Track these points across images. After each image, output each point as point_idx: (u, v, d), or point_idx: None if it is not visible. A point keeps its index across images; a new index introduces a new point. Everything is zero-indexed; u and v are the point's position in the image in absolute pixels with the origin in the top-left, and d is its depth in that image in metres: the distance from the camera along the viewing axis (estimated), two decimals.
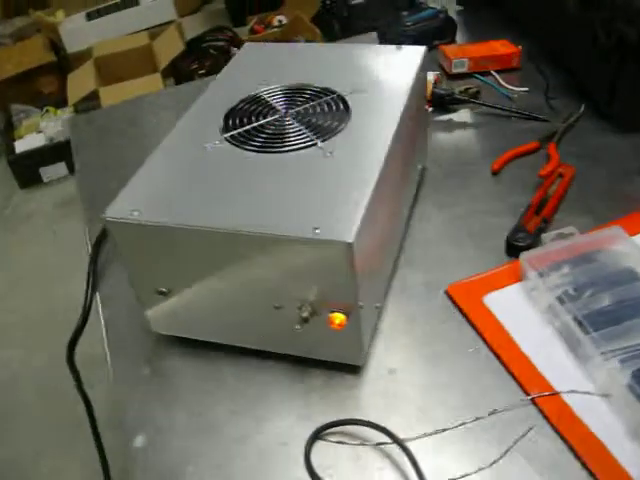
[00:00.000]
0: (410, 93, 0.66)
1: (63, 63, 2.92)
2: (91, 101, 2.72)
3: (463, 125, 0.91)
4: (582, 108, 0.89)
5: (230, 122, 0.64)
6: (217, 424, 0.58)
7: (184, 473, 0.55)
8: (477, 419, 0.55)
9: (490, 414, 0.55)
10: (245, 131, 0.62)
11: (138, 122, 1.05)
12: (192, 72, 2.73)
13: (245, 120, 0.64)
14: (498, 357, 0.60)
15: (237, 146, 0.61)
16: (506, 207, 0.76)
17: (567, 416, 0.54)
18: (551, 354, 0.59)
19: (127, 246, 0.57)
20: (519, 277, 0.66)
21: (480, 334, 0.62)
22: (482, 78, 0.99)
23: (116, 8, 2.99)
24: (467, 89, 0.94)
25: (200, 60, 2.78)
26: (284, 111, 0.65)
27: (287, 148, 0.60)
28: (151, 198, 0.57)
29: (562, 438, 0.53)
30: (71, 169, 2.61)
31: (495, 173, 0.81)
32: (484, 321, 0.63)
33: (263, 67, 0.74)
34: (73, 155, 0.99)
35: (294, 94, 0.67)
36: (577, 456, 0.52)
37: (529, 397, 0.56)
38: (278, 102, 0.66)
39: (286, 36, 3.01)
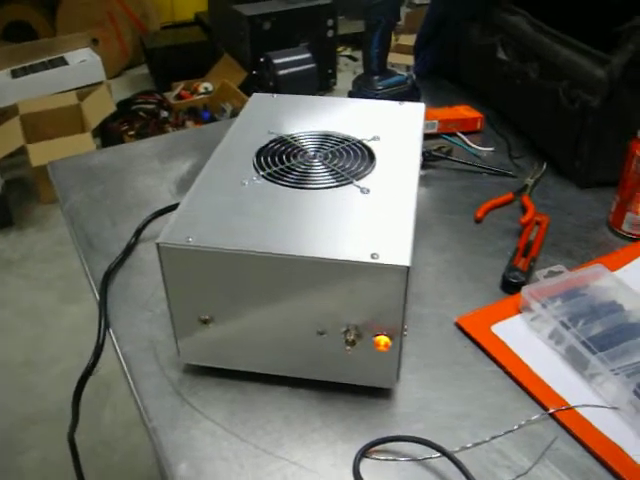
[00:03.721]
0: (421, 141, 0.73)
1: None
2: (14, 157, 2.68)
3: (440, 179, 0.99)
4: (544, 166, 0.99)
5: (262, 160, 0.69)
6: (264, 449, 0.60)
7: None
8: (507, 432, 0.60)
9: (519, 427, 0.61)
10: (280, 169, 0.67)
11: (117, 166, 1.07)
12: (122, 133, 2.75)
13: (277, 159, 0.69)
14: (513, 378, 0.66)
15: (273, 182, 0.66)
16: (494, 250, 0.84)
17: (585, 426, 0.60)
18: (560, 373, 0.66)
19: (175, 273, 0.60)
20: (518, 309, 0.74)
21: (493, 358, 0.68)
22: (450, 138, 1.08)
23: (43, 67, 2.99)
24: (440, 147, 1.03)
25: (130, 122, 2.81)
26: (312, 153, 0.70)
27: (323, 185, 0.65)
28: (201, 226, 0.60)
29: (583, 445, 0.59)
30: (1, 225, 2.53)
31: (478, 221, 0.89)
32: (496, 347, 0.69)
33: (276, 115, 0.80)
34: (59, 199, 1.00)
35: (320, 139, 0.73)
36: (599, 459, 0.58)
37: (549, 411, 0.62)
38: (305, 145, 0.72)
39: (214, 102, 3.09)
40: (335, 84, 3.36)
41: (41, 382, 1.94)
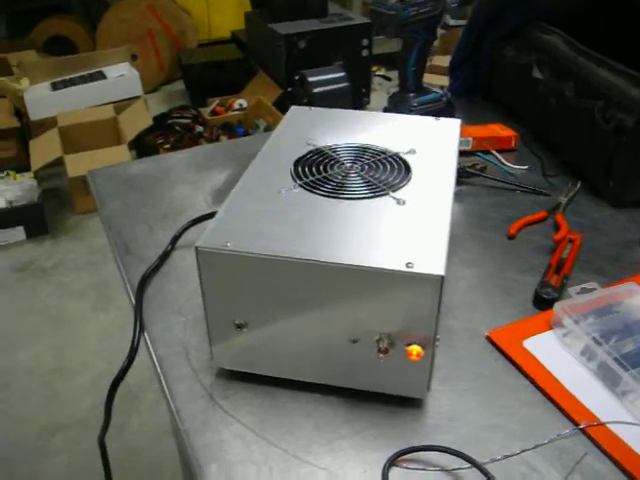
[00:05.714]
0: (457, 155, 0.74)
1: (25, 130, 2.93)
2: (52, 168, 2.73)
3: (473, 196, 0.99)
4: (578, 184, 0.99)
5: (300, 170, 0.70)
6: (294, 454, 0.60)
7: None
8: (537, 446, 0.60)
9: (549, 442, 0.60)
10: (317, 179, 0.69)
11: (154, 176, 1.09)
12: (157, 146, 2.79)
13: (314, 169, 0.70)
14: (544, 392, 0.66)
15: (310, 191, 0.67)
16: (526, 266, 0.84)
17: (616, 443, 0.60)
18: (591, 390, 0.66)
19: (213, 277, 0.61)
20: (550, 325, 0.74)
21: (524, 373, 0.68)
22: (484, 156, 1.09)
23: (82, 80, 3.06)
24: (474, 165, 1.04)
25: (165, 135, 2.85)
26: (349, 165, 0.72)
27: (360, 195, 0.66)
28: (239, 232, 0.61)
29: (614, 461, 0.59)
30: (29, 234, 2.58)
31: (511, 238, 0.89)
32: (527, 362, 0.69)
33: (314, 127, 0.81)
34: (97, 207, 1.02)
35: (357, 151, 0.74)
36: (630, 476, 0.57)
37: (580, 427, 0.62)
38: (342, 157, 0.73)
39: (248, 118, 3.13)
40: (368, 103, 3.38)
41: (68, 389, 1.97)
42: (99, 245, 2.56)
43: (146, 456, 1.75)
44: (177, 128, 2.90)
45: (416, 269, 0.55)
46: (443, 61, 3.22)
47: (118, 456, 1.72)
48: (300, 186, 0.68)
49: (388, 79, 4.03)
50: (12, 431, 1.83)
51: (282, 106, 3.09)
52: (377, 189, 0.67)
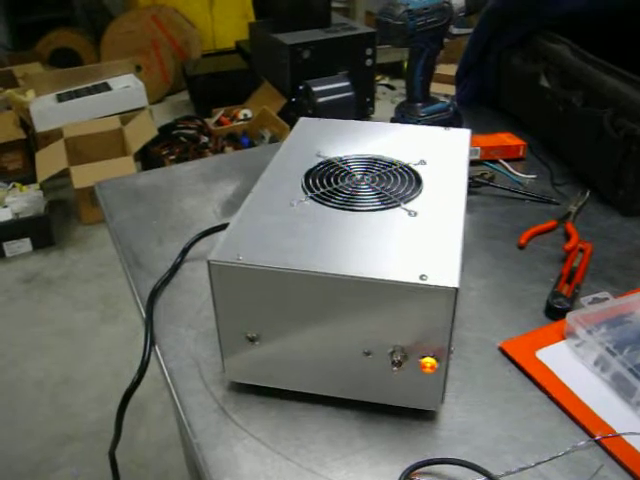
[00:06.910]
0: (467, 165, 0.74)
1: (30, 141, 2.94)
2: (57, 179, 2.74)
3: (482, 206, 0.99)
4: (587, 194, 0.99)
5: (311, 182, 0.70)
6: (308, 468, 0.60)
7: None
8: (552, 458, 0.60)
9: (564, 454, 0.60)
10: (328, 190, 0.68)
11: (163, 187, 1.09)
12: (163, 157, 2.80)
13: (325, 181, 0.70)
14: (558, 404, 0.65)
15: (321, 203, 0.67)
16: (537, 276, 0.83)
17: (632, 454, 0.60)
18: (605, 400, 0.66)
19: (225, 290, 0.61)
20: (563, 335, 0.73)
21: (538, 384, 0.68)
22: (492, 165, 1.09)
23: (87, 92, 3.07)
24: (482, 174, 1.04)
25: (171, 146, 2.86)
26: (360, 176, 0.72)
27: (371, 207, 0.66)
28: (251, 245, 0.61)
29: (630, 473, 0.58)
30: (36, 245, 2.58)
31: (521, 247, 0.89)
32: (541, 373, 0.68)
33: (323, 138, 0.81)
34: (106, 218, 1.02)
35: (367, 163, 0.74)
36: None
37: (595, 438, 0.61)
38: (353, 168, 0.73)
39: (253, 128, 3.14)
40: (373, 112, 3.38)
41: (76, 401, 1.97)
42: (106, 256, 2.57)
43: (154, 468, 1.74)
44: (182, 139, 2.91)
45: (430, 281, 0.55)
46: (447, 69, 3.21)
47: (125, 468, 1.71)
48: (311, 198, 0.68)
49: (392, 88, 4.03)
50: (20, 443, 1.83)
51: (287, 116, 3.10)
52: (388, 200, 0.67)
